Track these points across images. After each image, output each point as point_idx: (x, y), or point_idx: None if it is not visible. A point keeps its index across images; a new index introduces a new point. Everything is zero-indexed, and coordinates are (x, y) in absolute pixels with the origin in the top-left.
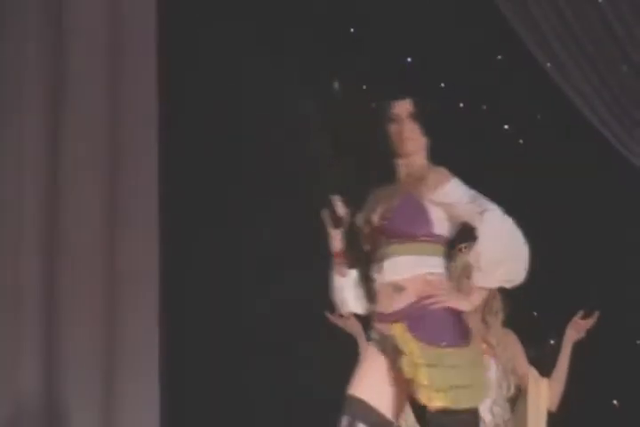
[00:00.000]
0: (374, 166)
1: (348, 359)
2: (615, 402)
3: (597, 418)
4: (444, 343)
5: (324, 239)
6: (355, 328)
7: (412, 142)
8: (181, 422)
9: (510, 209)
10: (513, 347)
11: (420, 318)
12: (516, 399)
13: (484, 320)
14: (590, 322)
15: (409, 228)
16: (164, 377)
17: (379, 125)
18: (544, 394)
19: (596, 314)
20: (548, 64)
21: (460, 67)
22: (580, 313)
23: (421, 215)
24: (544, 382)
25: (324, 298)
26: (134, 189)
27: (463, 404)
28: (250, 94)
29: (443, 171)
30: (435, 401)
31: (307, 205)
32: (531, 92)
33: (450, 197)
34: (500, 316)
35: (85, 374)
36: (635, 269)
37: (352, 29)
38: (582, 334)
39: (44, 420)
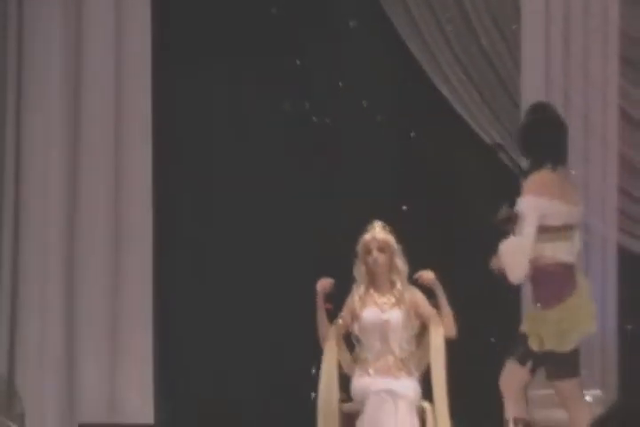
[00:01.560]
0: None
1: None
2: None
3: (479, 352)
4: None
5: None
6: None
7: None
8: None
9: None
10: (415, 297)
11: None
12: (421, 337)
13: (390, 279)
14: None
15: None
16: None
17: None
18: (441, 330)
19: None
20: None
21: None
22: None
23: None
24: (440, 319)
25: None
26: None
27: None
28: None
29: None
30: None
31: None
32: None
33: None
34: (404, 276)
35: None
36: None
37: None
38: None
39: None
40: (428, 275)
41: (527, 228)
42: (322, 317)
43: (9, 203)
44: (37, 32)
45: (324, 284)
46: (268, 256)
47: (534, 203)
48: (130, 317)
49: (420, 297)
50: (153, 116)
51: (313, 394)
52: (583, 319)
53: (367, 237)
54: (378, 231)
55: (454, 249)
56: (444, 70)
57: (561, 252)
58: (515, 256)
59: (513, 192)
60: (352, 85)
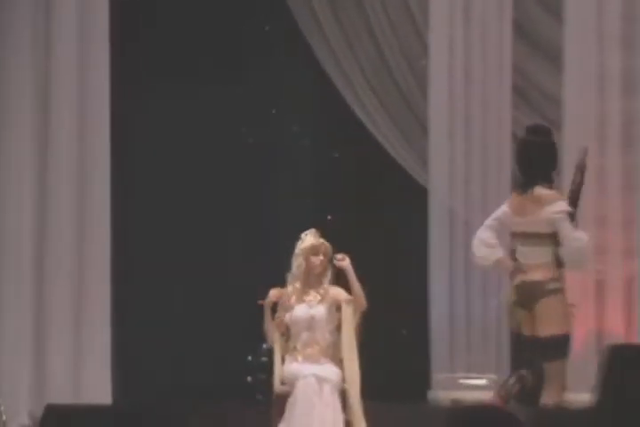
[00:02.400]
0: None
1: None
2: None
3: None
4: None
5: None
6: None
7: None
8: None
9: None
10: (336, 293)
11: None
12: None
13: (319, 279)
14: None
15: None
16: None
17: None
18: (350, 314)
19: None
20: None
21: None
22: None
23: None
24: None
25: None
26: None
27: None
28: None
29: None
30: None
31: None
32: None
33: None
34: (329, 278)
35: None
36: None
37: None
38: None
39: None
40: (343, 259)
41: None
42: (268, 317)
43: None
44: (9, 68)
45: (275, 295)
46: (216, 258)
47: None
48: (91, 314)
49: (340, 291)
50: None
51: (249, 378)
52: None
53: (312, 240)
54: (318, 237)
55: (370, 252)
56: (361, 98)
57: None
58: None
59: (420, 203)
60: (284, 111)
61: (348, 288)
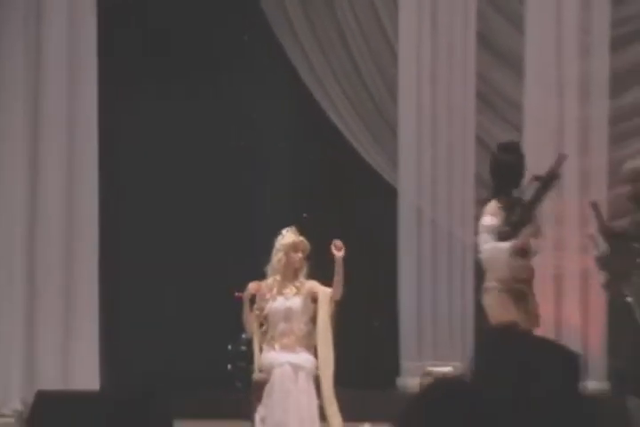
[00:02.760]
0: None
1: None
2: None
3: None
4: None
5: None
6: None
7: None
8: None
9: None
10: (311, 285)
11: None
12: (316, 320)
13: (296, 274)
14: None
15: None
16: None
17: None
18: (326, 304)
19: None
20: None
21: None
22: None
23: None
24: (327, 290)
25: None
26: None
27: None
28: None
29: None
30: None
31: None
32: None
33: None
34: (304, 272)
35: None
36: None
37: None
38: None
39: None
40: (341, 248)
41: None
42: (247, 309)
43: None
44: (1, 70)
45: (254, 287)
46: (199, 254)
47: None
48: (80, 304)
49: (315, 284)
50: (99, 131)
51: (229, 366)
52: None
53: (295, 239)
54: (295, 234)
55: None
56: (335, 105)
57: None
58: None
59: (390, 202)
60: (266, 117)
61: (323, 281)
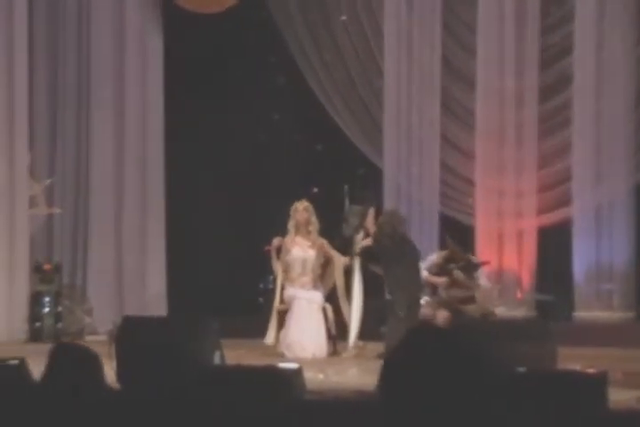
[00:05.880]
0: None
1: None
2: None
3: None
4: None
5: None
6: None
7: None
8: None
9: None
10: (322, 243)
11: None
12: (326, 265)
13: (307, 230)
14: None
15: None
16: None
17: None
18: (340, 262)
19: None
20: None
21: None
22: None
23: None
24: (342, 258)
25: None
26: None
27: None
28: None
29: None
30: None
31: None
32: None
33: None
34: (316, 228)
35: None
36: None
37: None
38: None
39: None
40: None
41: None
42: (274, 257)
43: None
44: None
45: (277, 241)
46: (242, 215)
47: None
48: (150, 248)
49: (324, 244)
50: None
51: (260, 299)
52: None
53: (297, 204)
54: (304, 201)
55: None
56: (334, 104)
57: None
58: None
59: (377, 181)
60: (286, 117)
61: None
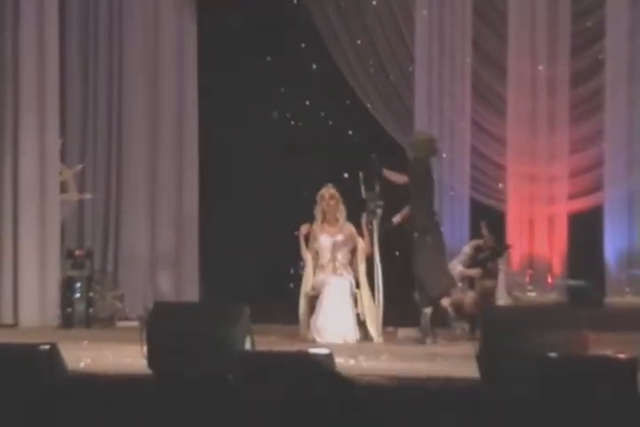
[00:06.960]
0: None
1: None
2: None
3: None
4: None
5: None
6: None
7: None
8: None
9: None
10: (350, 229)
11: None
12: (355, 251)
13: (335, 217)
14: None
15: None
16: None
17: None
18: (363, 248)
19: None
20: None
21: None
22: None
23: None
24: (363, 246)
25: None
26: None
27: None
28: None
29: None
30: None
31: None
32: None
33: None
34: (344, 215)
35: None
36: None
37: None
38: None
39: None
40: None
41: None
42: (302, 244)
43: None
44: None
45: (305, 229)
46: (272, 201)
47: None
48: (187, 234)
49: (352, 230)
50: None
51: (291, 284)
52: None
53: (324, 191)
54: (330, 188)
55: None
56: (368, 94)
57: None
58: None
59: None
60: (317, 102)
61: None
